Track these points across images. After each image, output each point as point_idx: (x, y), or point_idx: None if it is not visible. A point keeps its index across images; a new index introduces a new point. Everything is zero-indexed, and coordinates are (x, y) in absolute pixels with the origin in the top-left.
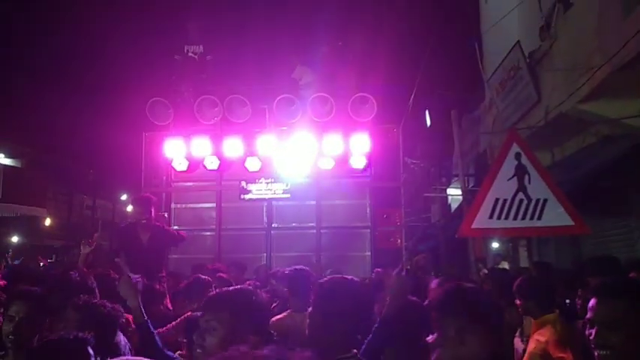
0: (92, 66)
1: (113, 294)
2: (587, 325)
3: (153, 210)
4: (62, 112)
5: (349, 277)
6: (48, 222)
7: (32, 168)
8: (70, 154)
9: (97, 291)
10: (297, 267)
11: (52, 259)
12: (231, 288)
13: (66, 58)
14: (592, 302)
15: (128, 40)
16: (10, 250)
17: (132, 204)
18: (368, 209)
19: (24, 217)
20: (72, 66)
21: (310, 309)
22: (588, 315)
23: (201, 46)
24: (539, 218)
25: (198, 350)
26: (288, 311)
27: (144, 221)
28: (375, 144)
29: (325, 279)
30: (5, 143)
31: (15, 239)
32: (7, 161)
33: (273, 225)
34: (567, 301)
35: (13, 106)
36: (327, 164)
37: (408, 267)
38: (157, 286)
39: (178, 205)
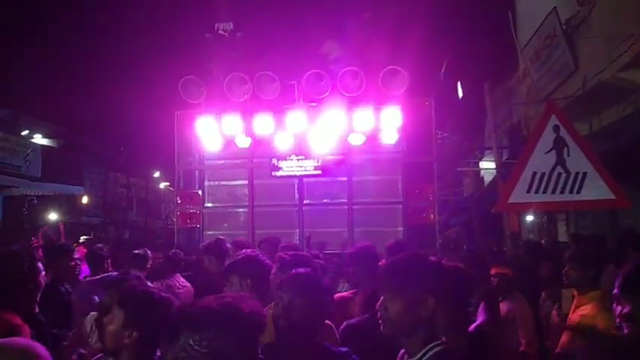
0: (125, 46)
1: None
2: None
3: None
4: (96, 92)
5: None
6: (85, 200)
7: (68, 148)
8: (104, 134)
9: None
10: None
11: (90, 235)
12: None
13: (98, 38)
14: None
15: (160, 19)
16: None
17: None
18: (400, 184)
19: (62, 196)
20: (105, 46)
21: None
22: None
23: (231, 24)
24: (579, 192)
25: None
26: (354, 290)
27: None
28: (407, 118)
29: None
30: (42, 124)
31: (54, 217)
32: (45, 141)
33: (304, 201)
34: None
35: (49, 88)
36: (358, 140)
37: (440, 241)
38: None
39: (211, 183)
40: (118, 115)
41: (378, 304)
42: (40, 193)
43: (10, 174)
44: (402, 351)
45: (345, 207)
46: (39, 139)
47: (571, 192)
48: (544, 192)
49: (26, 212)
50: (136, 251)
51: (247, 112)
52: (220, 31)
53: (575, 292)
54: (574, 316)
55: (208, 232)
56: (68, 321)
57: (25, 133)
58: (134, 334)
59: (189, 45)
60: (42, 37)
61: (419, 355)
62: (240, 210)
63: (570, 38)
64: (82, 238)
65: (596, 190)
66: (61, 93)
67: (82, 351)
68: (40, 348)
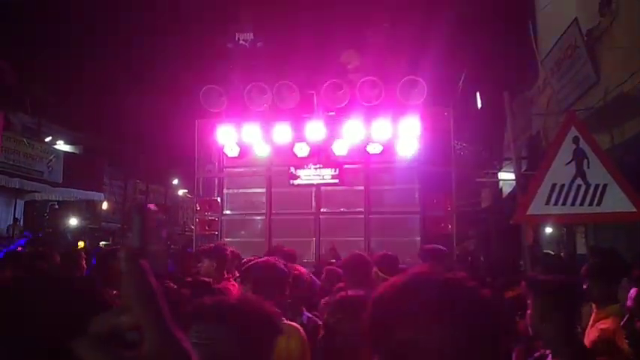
0: (147, 55)
1: None
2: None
3: None
4: (118, 100)
5: None
6: (105, 206)
7: (89, 154)
8: (125, 141)
9: None
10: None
11: (109, 241)
12: None
13: (120, 46)
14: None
15: (182, 29)
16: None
17: None
18: (417, 194)
19: (83, 202)
20: (127, 55)
21: None
22: (629, 302)
23: (251, 34)
24: (599, 204)
25: None
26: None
27: None
28: (425, 127)
29: None
30: (64, 131)
31: (74, 222)
32: (67, 147)
33: (321, 210)
34: None
35: (72, 96)
36: (376, 149)
37: (457, 252)
38: None
39: (230, 191)
40: (139, 123)
41: None
42: (61, 199)
43: (32, 179)
44: None
45: (362, 216)
46: (61, 146)
47: (591, 204)
48: (563, 204)
49: (47, 217)
50: None
51: (267, 121)
52: (241, 41)
53: (594, 306)
54: (592, 331)
55: (226, 239)
56: None
57: (48, 139)
58: None
59: (211, 54)
60: (64, 45)
61: None
62: (258, 218)
63: (592, 49)
64: (102, 244)
65: (617, 202)
66: (83, 100)
67: None
68: None
